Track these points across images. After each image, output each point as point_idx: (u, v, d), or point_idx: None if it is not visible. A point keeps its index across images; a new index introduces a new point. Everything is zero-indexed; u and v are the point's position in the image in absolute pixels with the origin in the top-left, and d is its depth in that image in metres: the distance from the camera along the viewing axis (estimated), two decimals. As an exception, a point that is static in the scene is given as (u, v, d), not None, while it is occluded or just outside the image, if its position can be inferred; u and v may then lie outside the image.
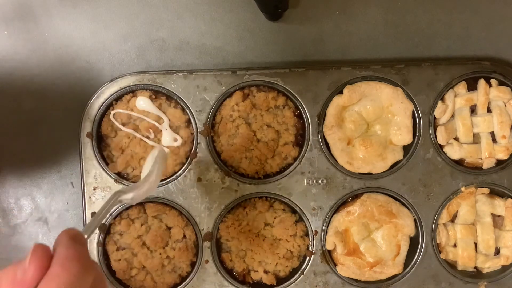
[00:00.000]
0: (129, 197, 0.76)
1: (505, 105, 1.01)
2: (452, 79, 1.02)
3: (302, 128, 1.03)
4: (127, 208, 1.02)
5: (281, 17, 1.07)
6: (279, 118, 1.03)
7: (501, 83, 1.02)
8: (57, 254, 0.53)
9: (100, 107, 1.02)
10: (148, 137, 1.01)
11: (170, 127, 1.02)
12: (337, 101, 1.02)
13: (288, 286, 1.02)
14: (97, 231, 1.01)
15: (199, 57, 1.09)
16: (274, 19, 1.07)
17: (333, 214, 1.02)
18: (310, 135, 1.02)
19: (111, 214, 1.01)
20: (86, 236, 0.60)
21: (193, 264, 1.03)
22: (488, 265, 1.02)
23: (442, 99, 1.03)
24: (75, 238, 0.56)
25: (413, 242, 1.03)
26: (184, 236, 1.03)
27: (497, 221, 1.03)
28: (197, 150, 1.02)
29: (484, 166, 1.01)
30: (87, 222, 1.01)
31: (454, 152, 1.01)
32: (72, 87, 1.08)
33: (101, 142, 1.04)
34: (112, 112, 1.02)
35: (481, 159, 1.02)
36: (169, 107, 1.03)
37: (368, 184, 1.02)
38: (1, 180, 1.09)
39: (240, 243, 1.02)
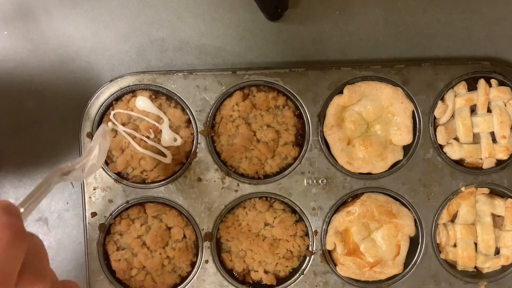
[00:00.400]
0: (73, 173, 0.75)
1: (505, 105, 1.01)
2: (452, 79, 1.02)
3: (302, 128, 1.04)
4: (127, 208, 1.02)
5: (281, 17, 1.07)
6: (279, 118, 1.03)
7: (501, 83, 1.02)
8: None
9: (100, 107, 1.02)
10: (148, 137, 1.01)
11: (170, 127, 1.02)
12: (337, 101, 1.02)
13: (288, 286, 1.02)
14: (97, 231, 1.01)
15: (199, 57, 1.09)
16: (274, 19, 1.07)
17: (333, 214, 1.02)
18: (310, 135, 1.02)
19: (111, 214, 1.01)
20: (21, 210, 0.58)
21: (193, 264, 1.03)
22: (488, 265, 1.02)
23: (442, 99, 1.03)
24: (6, 209, 0.55)
25: (413, 242, 1.03)
26: (184, 236, 1.03)
27: (497, 221, 1.03)
28: (197, 150, 1.02)
29: (484, 166, 1.01)
30: (87, 222, 1.01)
31: (454, 152, 1.01)
32: (72, 87, 1.08)
33: (101, 142, 1.04)
34: (112, 113, 1.02)
35: (481, 159, 1.02)
36: (169, 107, 1.03)
37: (368, 184, 1.02)
38: (1, 180, 1.09)
39: (240, 243, 1.02)
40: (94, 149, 0.83)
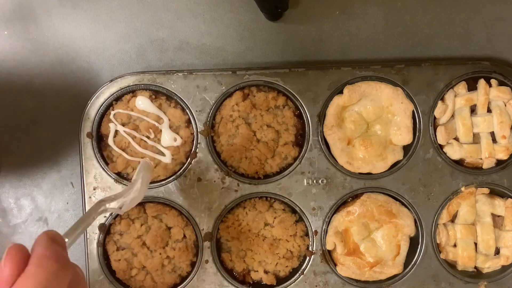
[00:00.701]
0: (115, 206, 0.78)
1: (505, 105, 1.01)
2: (452, 79, 1.02)
3: (302, 128, 1.04)
4: (127, 208, 1.03)
5: (281, 17, 1.07)
6: (279, 118, 1.03)
7: (501, 83, 1.02)
8: (34, 253, 0.54)
9: (100, 107, 1.02)
10: (148, 137, 1.02)
11: (170, 127, 1.02)
12: (337, 101, 1.02)
13: (288, 286, 1.02)
14: (97, 231, 1.01)
15: (199, 57, 1.09)
16: (274, 19, 1.07)
17: (333, 214, 1.02)
18: (310, 135, 1.02)
19: (111, 214, 1.01)
20: (66, 240, 0.60)
21: (193, 264, 1.03)
22: (488, 265, 1.02)
23: (442, 99, 1.03)
24: (54, 239, 0.56)
25: (413, 242, 1.03)
26: (184, 236, 1.03)
27: (497, 221, 1.03)
28: (197, 150, 1.02)
29: (484, 166, 1.01)
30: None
31: (454, 152, 1.01)
32: (72, 87, 1.08)
33: (101, 142, 1.04)
34: (113, 113, 1.02)
35: (481, 159, 1.02)
36: (169, 107, 1.03)
37: (368, 184, 1.02)
38: (1, 180, 1.09)
39: (240, 243, 1.02)
40: (137, 183, 0.85)
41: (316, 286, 1.02)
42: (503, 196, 1.03)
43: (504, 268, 1.03)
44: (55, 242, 0.56)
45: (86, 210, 1.02)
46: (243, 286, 1.02)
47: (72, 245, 1.07)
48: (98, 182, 1.02)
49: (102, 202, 0.75)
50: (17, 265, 0.52)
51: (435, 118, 1.03)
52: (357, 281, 1.02)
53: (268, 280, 1.02)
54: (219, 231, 1.03)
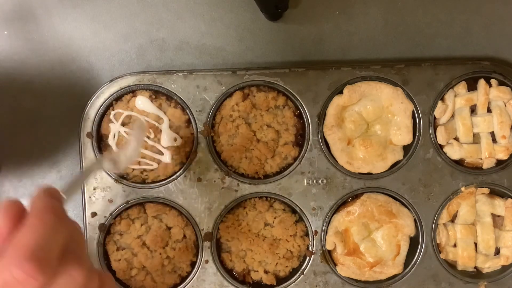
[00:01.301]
0: (111, 164, 0.82)
1: (505, 105, 1.01)
2: (452, 79, 1.02)
3: (302, 128, 1.04)
4: (127, 208, 1.02)
5: (281, 17, 1.07)
6: (279, 118, 1.03)
7: (501, 83, 1.02)
8: (33, 206, 0.55)
9: (100, 107, 1.02)
10: (148, 137, 1.01)
11: (170, 127, 1.02)
12: (337, 101, 1.02)
13: (288, 286, 1.02)
14: (97, 231, 1.01)
15: (199, 57, 1.09)
16: (274, 19, 1.07)
17: (333, 214, 1.02)
18: (310, 135, 1.02)
19: (111, 214, 1.01)
20: (64, 196, 0.61)
21: (193, 264, 1.03)
22: (488, 265, 1.02)
23: (442, 99, 1.03)
24: (51, 194, 0.58)
25: (413, 242, 1.03)
26: (184, 236, 1.03)
27: (497, 221, 1.03)
28: (197, 150, 1.02)
29: (484, 166, 1.01)
30: (87, 222, 1.01)
31: (454, 152, 1.01)
32: (72, 87, 1.08)
33: (101, 142, 1.04)
34: (113, 113, 1.02)
35: (481, 159, 1.02)
36: (169, 107, 1.03)
37: (368, 184, 1.02)
38: (1, 180, 1.09)
39: (240, 243, 1.02)
40: (132, 141, 0.87)
41: (316, 286, 1.02)
42: (503, 196, 1.03)
43: (504, 268, 1.03)
44: (52, 197, 0.57)
45: (86, 210, 1.02)
46: (243, 286, 1.02)
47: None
48: (98, 182, 1.02)
49: (99, 160, 0.77)
50: (13, 217, 0.53)
51: (435, 118, 1.03)
52: (357, 281, 1.02)
53: (268, 280, 1.02)
54: (219, 231, 1.03)
